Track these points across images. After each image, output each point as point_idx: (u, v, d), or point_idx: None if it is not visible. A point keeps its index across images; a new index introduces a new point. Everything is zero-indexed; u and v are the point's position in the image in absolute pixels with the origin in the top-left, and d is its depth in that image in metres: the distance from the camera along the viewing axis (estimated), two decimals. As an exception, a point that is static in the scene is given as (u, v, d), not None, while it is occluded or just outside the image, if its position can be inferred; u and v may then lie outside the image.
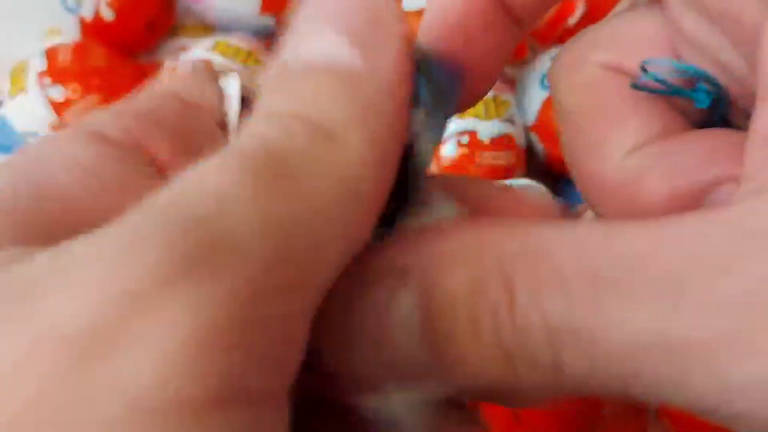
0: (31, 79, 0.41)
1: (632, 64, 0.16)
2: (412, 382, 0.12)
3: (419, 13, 0.39)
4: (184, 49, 0.46)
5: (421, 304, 0.12)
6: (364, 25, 0.13)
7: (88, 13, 0.44)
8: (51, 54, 0.42)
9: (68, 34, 0.45)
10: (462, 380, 0.12)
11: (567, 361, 0.11)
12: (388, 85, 0.12)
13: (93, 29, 0.44)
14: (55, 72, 0.41)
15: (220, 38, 0.43)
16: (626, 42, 0.17)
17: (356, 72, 0.12)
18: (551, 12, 0.43)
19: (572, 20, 0.44)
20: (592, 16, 0.44)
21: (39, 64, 0.42)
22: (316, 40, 0.13)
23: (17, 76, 0.42)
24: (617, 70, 0.17)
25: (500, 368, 0.12)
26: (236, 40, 0.43)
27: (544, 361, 0.11)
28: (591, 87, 0.17)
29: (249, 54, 0.43)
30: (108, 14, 0.44)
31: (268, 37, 0.46)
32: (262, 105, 0.12)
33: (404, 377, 0.12)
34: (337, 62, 0.12)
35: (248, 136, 0.12)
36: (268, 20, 0.45)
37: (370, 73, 0.12)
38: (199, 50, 0.43)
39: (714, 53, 0.15)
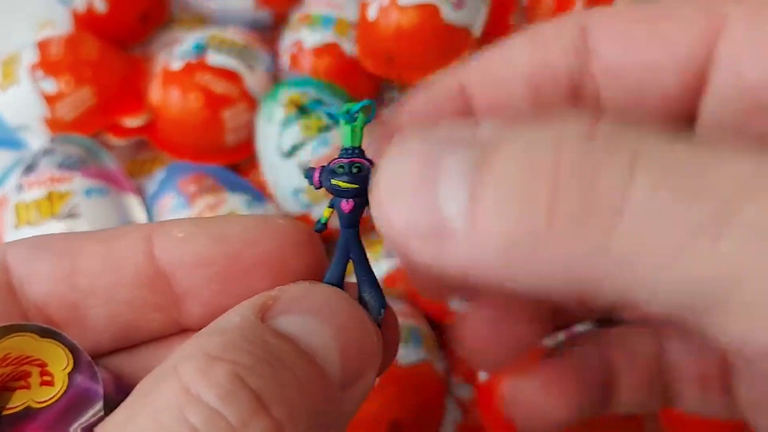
0: (23, 71, 0.41)
1: (482, 98, 0.18)
2: None
3: (416, 8, 0.38)
4: (177, 41, 0.46)
5: None
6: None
7: (80, 5, 0.43)
8: (43, 46, 0.42)
9: (61, 26, 0.45)
10: None
11: None
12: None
13: (85, 21, 0.44)
14: (48, 64, 0.41)
15: (215, 31, 0.43)
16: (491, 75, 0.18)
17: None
18: (549, 6, 0.43)
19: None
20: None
21: (31, 56, 0.41)
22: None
23: (9, 68, 0.42)
24: (461, 92, 0.18)
25: None
26: (230, 33, 0.43)
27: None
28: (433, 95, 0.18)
29: (243, 47, 0.42)
30: (101, 6, 0.44)
31: (263, 31, 0.46)
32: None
33: None
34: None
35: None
36: (263, 14, 0.45)
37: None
38: (192, 42, 0.42)
39: None
